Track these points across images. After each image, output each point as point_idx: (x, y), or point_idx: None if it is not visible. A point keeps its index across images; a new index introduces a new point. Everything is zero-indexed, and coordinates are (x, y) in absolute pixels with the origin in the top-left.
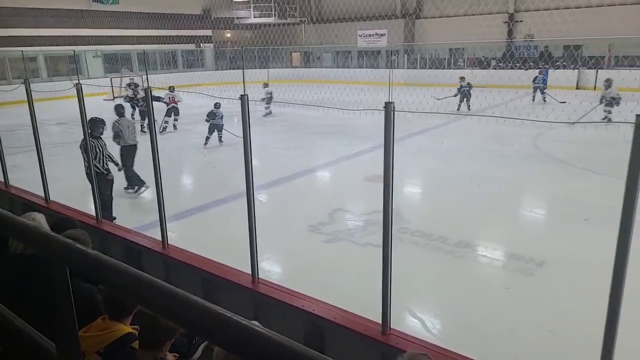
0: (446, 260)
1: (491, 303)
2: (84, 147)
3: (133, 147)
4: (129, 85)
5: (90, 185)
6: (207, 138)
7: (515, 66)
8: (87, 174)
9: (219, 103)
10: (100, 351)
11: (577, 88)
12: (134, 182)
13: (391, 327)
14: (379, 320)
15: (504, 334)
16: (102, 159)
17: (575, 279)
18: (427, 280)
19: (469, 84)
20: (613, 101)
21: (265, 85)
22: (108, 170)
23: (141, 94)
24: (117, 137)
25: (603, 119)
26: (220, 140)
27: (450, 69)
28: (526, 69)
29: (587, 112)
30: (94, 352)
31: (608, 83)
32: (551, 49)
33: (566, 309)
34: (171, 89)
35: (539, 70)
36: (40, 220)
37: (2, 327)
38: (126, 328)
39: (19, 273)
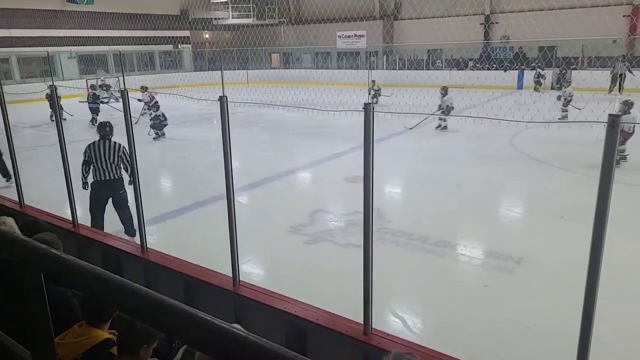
0: (427, 260)
1: (471, 301)
2: (108, 151)
3: None
4: (92, 86)
5: (66, 189)
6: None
7: (492, 67)
8: (100, 180)
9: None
10: (77, 358)
11: (552, 88)
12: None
13: (373, 327)
14: (361, 321)
15: (485, 331)
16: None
17: (553, 275)
18: (408, 280)
19: (377, 87)
20: (447, 109)
21: (144, 89)
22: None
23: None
24: None
25: (437, 127)
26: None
27: (428, 69)
28: (505, 70)
29: (426, 118)
30: None
31: (444, 91)
32: (526, 50)
33: (544, 306)
34: (144, 88)
35: (539, 66)
36: (11, 224)
37: None
38: (104, 334)
39: None
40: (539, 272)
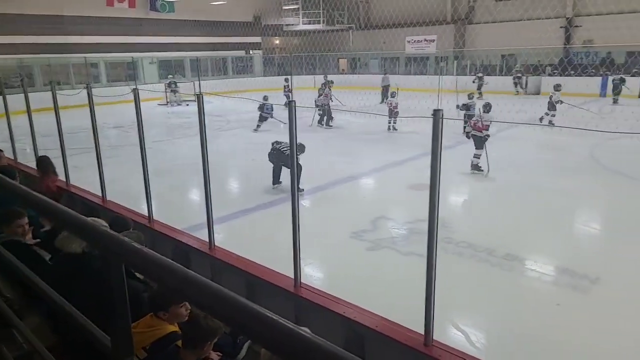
0: (493, 273)
1: (540, 319)
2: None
3: None
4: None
5: (143, 187)
6: (258, 125)
7: (573, 73)
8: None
9: (267, 96)
10: (146, 347)
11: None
12: None
13: (434, 338)
14: (421, 331)
15: (554, 352)
16: None
17: (634, 298)
18: (471, 293)
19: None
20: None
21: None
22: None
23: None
24: None
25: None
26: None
27: (502, 75)
28: (592, 76)
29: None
30: (140, 348)
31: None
32: (614, 56)
33: (622, 330)
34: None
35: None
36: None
37: (59, 318)
38: (171, 327)
39: (72, 270)
40: (617, 294)
